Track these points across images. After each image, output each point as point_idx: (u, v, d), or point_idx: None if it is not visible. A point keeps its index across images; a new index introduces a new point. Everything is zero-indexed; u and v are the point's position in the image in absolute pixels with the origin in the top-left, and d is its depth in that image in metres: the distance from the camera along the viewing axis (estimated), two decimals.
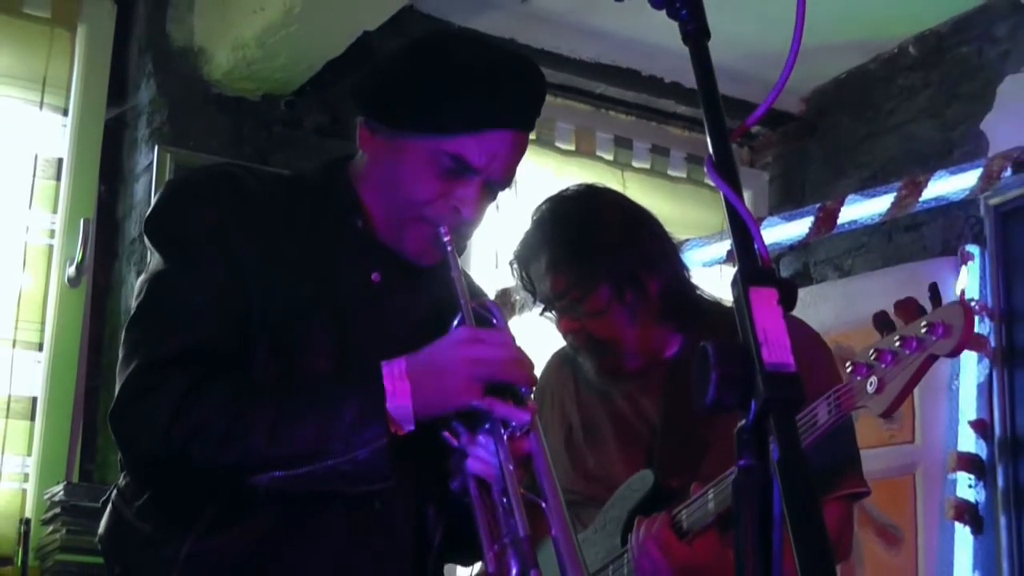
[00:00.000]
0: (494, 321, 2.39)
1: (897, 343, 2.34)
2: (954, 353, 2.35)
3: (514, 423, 2.22)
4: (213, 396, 2.20)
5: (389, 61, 2.46)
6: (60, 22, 5.03)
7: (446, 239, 2.35)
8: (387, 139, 2.37)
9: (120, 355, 2.31)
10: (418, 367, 2.21)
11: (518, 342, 2.28)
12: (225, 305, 2.28)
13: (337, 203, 2.43)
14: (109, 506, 2.38)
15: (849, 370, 2.39)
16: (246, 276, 2.30)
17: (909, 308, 2.36)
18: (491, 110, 2.33)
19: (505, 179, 2.40)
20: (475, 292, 2.61)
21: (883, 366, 2.35)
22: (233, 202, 2.36)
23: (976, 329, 2.33)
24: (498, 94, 2.34)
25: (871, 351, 2.37)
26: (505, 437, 2.21)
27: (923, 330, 2.31)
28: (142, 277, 2.38)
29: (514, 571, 2.14)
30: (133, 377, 2.24)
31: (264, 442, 2.16)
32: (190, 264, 2.31)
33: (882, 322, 2.39)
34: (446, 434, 2.25)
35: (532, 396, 2.27)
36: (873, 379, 2.36)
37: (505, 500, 2.19)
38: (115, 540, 2.36)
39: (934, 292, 2.36)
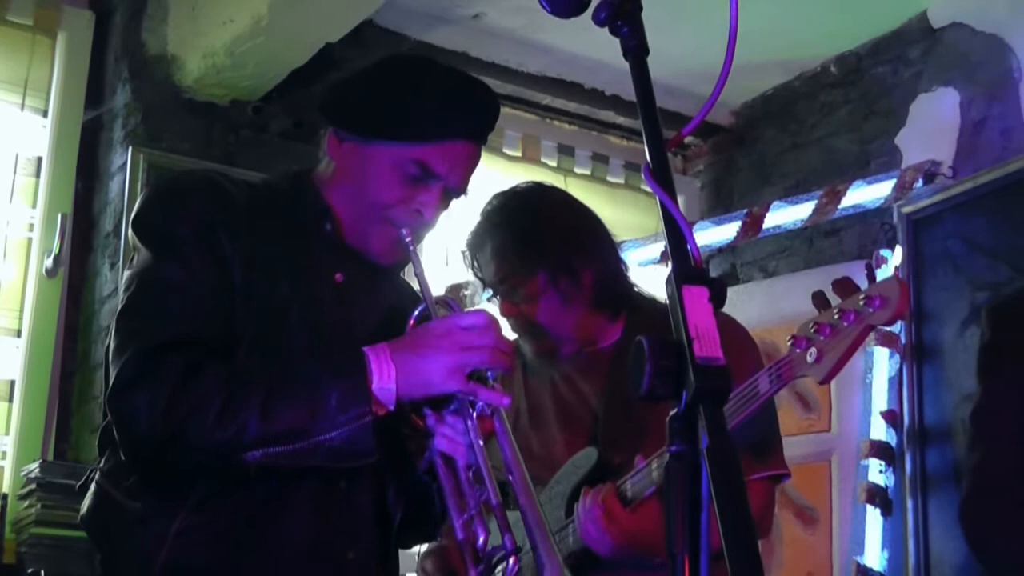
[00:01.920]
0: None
1: (836, 316, 2.34)
2: (890, 322, 2.36)
3: (494, 406, 2.26)
4: (208, 379, 2.20)
5: (359, 77, 2.48)
6: (41, 29, 5.01)
7: (408, 240, 2.38)
8: (356, 147, 2.41)
9: (113, 344, 2.29)
10: (403, 352, 2.23)
11: (497, 327, 2.31)
12: (213, 299, 2.28)
13: (307, 208, 2.45)
14: (93, 487, 2.37)
15: (790, 343, 2.40)
16: (230, 274, 2.30)
17: (847, 286, 2.38)
18: (454, 122, 2.38)
19: (462, 186, 2.45)
20: (415, 296, 2.63)
21: (822, 338, 2.35)
22: (216, 205, 2.37)
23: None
24: (460, 109, 2.39)
25: (811, 325, 2.37)
26: (475, 417, 2.26)
27: (861, 303, 2.32)
28: (129, 272, 2.37)
29: (481, 538, 2.20)
30: (131, 362, 2.22)
31: (257, 421, 2.17)
32: (179, 259, 2.30)
33: (821, 300, 2.40)
34: (414, 417, 2.28)
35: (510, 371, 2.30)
36: (813, 350, 2.36)
37: (471, 474, 2.25)
38: (103, 520, 2.35)
39: (870, 270, 2.37)
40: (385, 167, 2.37)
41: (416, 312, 2.41)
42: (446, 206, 2.46)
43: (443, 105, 2.37)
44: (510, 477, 2.25)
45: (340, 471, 2.30)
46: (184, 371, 2.19)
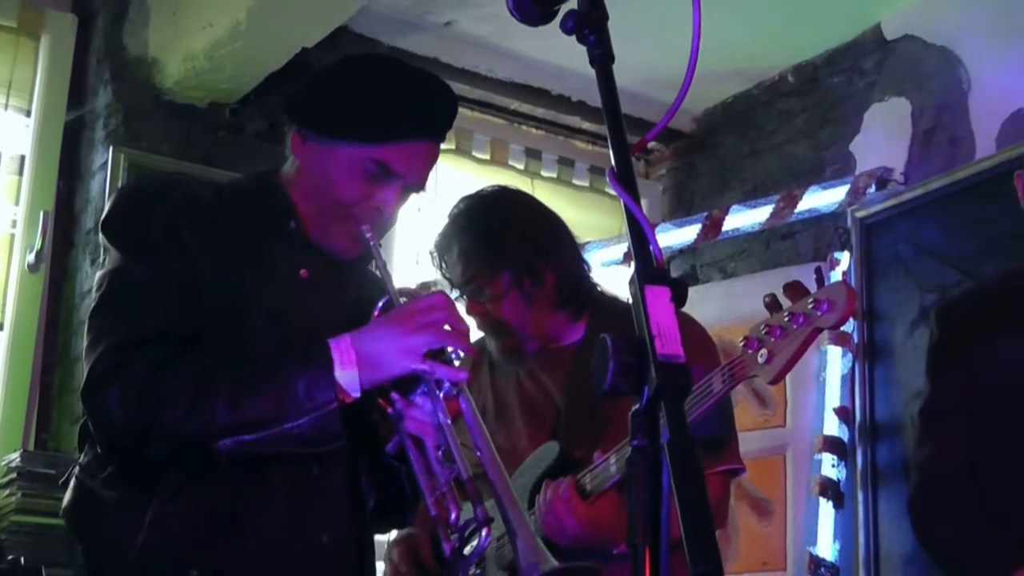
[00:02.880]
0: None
1: (786, 318, 2.35)
2: (837, 326, 2.37)
3: (451, 382, 2.27)
4: (179, 371, 2.21)
5: (322, 77, 2.48)
6: (25, 32, 4.99)
7: (369, 235, 2.38)
8: (318, 146, 2.40)
9: (86, 341, 2.29)
10: (362, 341, 2.24)
11: (452, 305, 2.32)
12: (181, 295, 2.29)
13: (272, 207, 2.46)
14: (72, 481, 2.38)
15: (742, 344, 2.41)
16: (197, 272, 2.31)
17: (797, 289, 2.38)
18: (412, 123, 2.38)
19: (420, 183, 2.45)
20: (383, 290, 2.63)
21: (773, 339, 2.36)
22: (183, 206, 2.37)
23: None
24: (419, 109, 2.39)
25: (762, 327, 2.38)
26: (441, 396, 2.27)
27: (810, 306, 2.33)
28: (100, 272, 2.38)
29: (453, 513, 2.21)
30: (104, 356, 2.23)
31: (227, 411, 2.18)
32: (147, 258, 2.32)
33: (772, 303, 2.40)
34: (381, 401, 2.28)
35: (469, 352, 2.30)
36: (764, 351, 2.37)
37: (441, 453, 2.26)
38: (81, 512, 2.36)
39: (819, 275, 2.38)
40: (346, 166, 2.37)
41: (380, 304, 2.41)
42: (405, 201, 2.47)
43: (402, 106, 2.37)
44: (479, 454, 2.27)
45: (313, 458, 2.31)
46: (155, 365, 2.20)
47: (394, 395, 2.29)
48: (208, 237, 2.34)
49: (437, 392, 2.27)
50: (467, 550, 2.21)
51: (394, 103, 2.37)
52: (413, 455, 2.29)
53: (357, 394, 2.22)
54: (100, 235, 2.41)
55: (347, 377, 2.21)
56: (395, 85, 2.40)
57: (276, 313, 2.36)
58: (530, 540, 2.16)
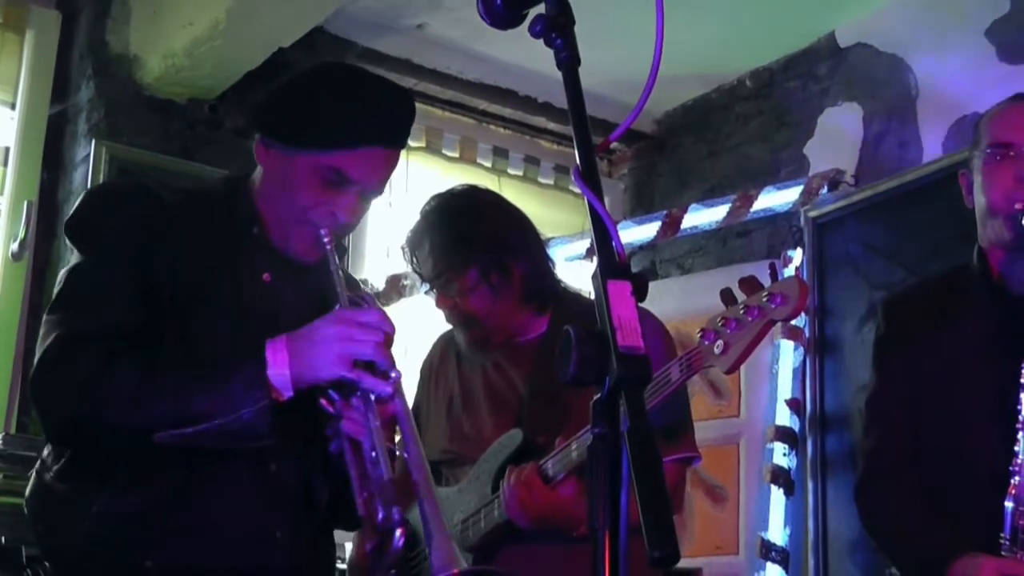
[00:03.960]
0: (365, 307, 2.41)
1: (741, 311, 2.35)
2: (790, 318, 2.37)
3: (375, 394, 2.24)
4: (124, 366, 2.21)
5: (286, 86, 2.46)
6: (10, 27, 4.96)
7: (326, 240, 2.37)
8: (279, 154, 2.39)
9: (40, 335, 2.30)
10: (296, 343, 2.23)
11: (388, 324, 2.30)
12: (136, 295, 2.29)
13: (237, 212, 2.45)
14: (34, 474, 2.38)
15: (699, 335, 2.41)
16: (155, 272, 2.31)
17: (752, 284, 2.38)
18: (367, 131, 2.35)
19: (378, 188, 2.43)
20: (352, 285, 2.64)
21: (728, 331, 2.36)
22: (144, 209, 2.37)
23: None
24: (374, 117, 2.37)
25: (719, 319, 2.38)
26: (373, 400, 2.25)
27: (764, 299, 2.33)
28: (63, 270, 2.38)
29: (380, 515, 2.19)
30: (51, 349, 2.24)
31: (168, 406, 2.18)
32: (103, 258, 2.32)
33: (728, 296, 2.41)
34: (323, 401, 2.27)
35: (395, 370, 2.27)
36: (720, 342, 2.37)
37: (374, 454, 2.23)
38: (37, 502, 2.36)
39: (773, 270, 2.38)
40: (303, 173, 2.35)
41: (336, 308, 2.39)
42: (366, 206, 2.45)
43: (357, 114, 2.35)
44: (406, 455, 2.27)
45: (268, 454, 2.31)
46: (100, 359, 2.20)
47: (333, 395, 2.28)
48: (168, 240, 2.33)
49: (370, 397, 2.25)
50: (389, 548, 2.20)
51: (349, 111, 2.35)
52: (349, 455, 2.28)
53: (289, 393, 2.21)
54: (65, 235, 2.42)
55: (279, 377, 2.20)
56: (351, 94, 2.38)
57: (237, 315, 2.35)
58: (444, 542, 2.16)
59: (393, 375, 2.25)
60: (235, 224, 2.43)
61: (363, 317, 2.28)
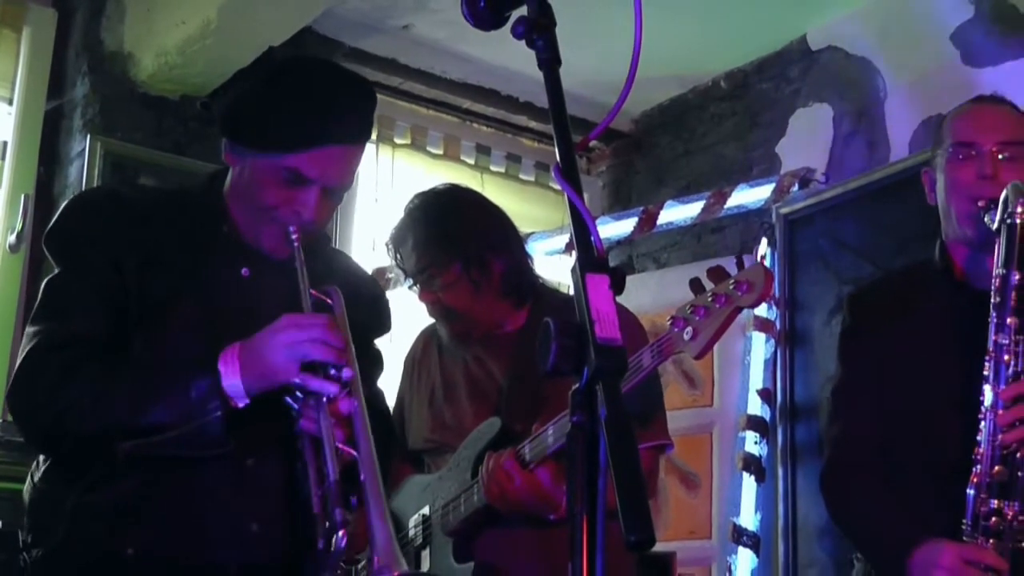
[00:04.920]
0: (329, 302, 2.41)
1: (710, 299, 2.35)
2: (755, 305, 2.37)
3: (320, 394, 2.23)
4: (83, 378, 2.23)
5: (246, 88, 2.43)
6: (7, 25, 4.93)
7: (294, 236, 2.35)
8: (241, 156, 2.38)
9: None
10: (246, 352, 2.23)
11: (336, 327, 2.28)
12: (104, 302, 2.30)
13: (208, 212, 2.44)
14: (28, 474, 2.41)
15: (669, 322, 2.41)
16: (125, 278, 2.31)
17: (719, 273, 2.38)
18: (320, 131, 2.32)
19: (342, 184, 2.40)
20: (351, 269, 2.66)
21: (697, 318, 2.36)
22: (116, 217, 2.37)
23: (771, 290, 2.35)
24: (329, 117, 2.34)
25: (688, 307, 2.38)
26: (325, 401, 2.23)
27: (731, 287, 2.33)
28: (43, 283, 2.39)
29: (336, 513, 2.16)
30: (22, 364, 2.28)
31: (125, 416, 2.20)
32: (75, 269, 2.34)
33: (697, 285, 2.41)
34: (288, 399, 2.26)
35: (347, 369, 2.25)
36: (689, 329, 2.37)
37: (326, 452, 2.21)
38: (28, 501, 2.38)
39: (739, 260, 2.38)
40: (263, 173, 2.34)
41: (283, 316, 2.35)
42: (333, 202, 2.42)
43: (311, 115, 2.32)
44: (356, 453, 2.22)
45: (245, 449, 2.29)
46: (62, 370, 2.22)
47: (296, 395, 2.26)
48: (139, 245, 2.33)
49: (320, 397, 2.23)
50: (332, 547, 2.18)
51: (303, 113, 2.32)
52: (308, 453, 2.26)
53: (245, 401, 2.21)
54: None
55: (233, 387, 2.20)
56: (306, 93, 2.35)
57: (210, 313, 2.34)
58: (387, 544, 2.14)
59: (344, 374, 2.24)
60: (206, 224, 2.43)
61: (307, 320, 2.27)
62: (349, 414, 2.24)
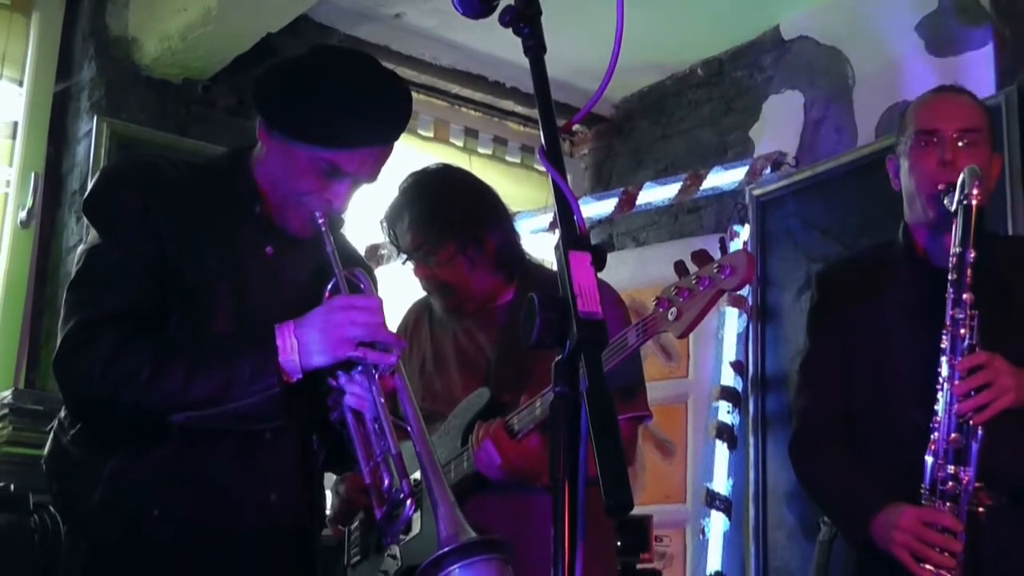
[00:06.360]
0: (362, 287, 2.41)
1: (694, 281, 2.35)
2: (737, 288, 2.38)
3: (383, 366, 2.25)
4: (139, 350, 2.19)
5: (287, 70, 2.36)
6: (18, 9, 4.93)
7: (320, 221, 2.34)
8: (280, 141, 2.33)
9: (62, 312, 2.27)
10: (303, 329, 2.22)
11: (383, 307, 2.29)
12: (148, 276, 2.26)
13: (239, 189, 2.40)
14: (51, 434, 2.37)
15: (654, 303, 2.41)
16: (164, 251, 2.27)
17: (703, 256, 2.38)
18: (364, 132, 2.31)
19: (372, 178, 2.40)
20: (350, 256, 2.60)
21: (681, 299, 2.36)
22: (155, 189, 2.32)
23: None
24: (372, 119, 2.31)
25: (672, 288, 2.38)
26: (376, 376, 2.25)
27: (715, 271, 2.33)
28: (81, 247, 2.34)
29: (386, 482, 2.20)
30: (72, 333, 2.22)
31: (180, 389, 2.17)
32: (119, 240, 2.28)
33: (681, 268, 2.41)
34: (330, 380, 2.27)
35: (398, 347, 2.28)
36: (673, 309, 2.37)
37: (377, 426, 2.24)
38: (53, 463, 2.35)
39: (723, 244, 2.38)
40: (301, 162, 2.30)
41: (329, 286, 2.37)
42: (357, 189, 2.42)
43: (356, 115, 2.29)
44: (409, 428, 2.27)
45: (267, 428, 2.30)
46: (117, 343, 2.18)
47: (339, 371, 2.27)
48: (178, 219, 2.30)
49: (373, 373, 2.25)
50: (395, 516, 2.21)
51: (348, 111, 2.29)
52: (352, 427, 2.27)
53: (299, 376, 2.21)
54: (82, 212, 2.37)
55: (289, 362, 2.20)
56: (351, 92, 2.30)
57: (241, 288, 2.33)
58: (451, 512, 2.16)
59: (395, 351, 2.26)
60: (237, 200, 2.39)
61: (362, 302, 2.28)
62: (394, 389, 2.28)
